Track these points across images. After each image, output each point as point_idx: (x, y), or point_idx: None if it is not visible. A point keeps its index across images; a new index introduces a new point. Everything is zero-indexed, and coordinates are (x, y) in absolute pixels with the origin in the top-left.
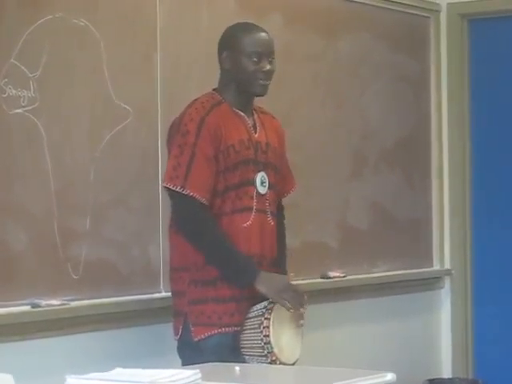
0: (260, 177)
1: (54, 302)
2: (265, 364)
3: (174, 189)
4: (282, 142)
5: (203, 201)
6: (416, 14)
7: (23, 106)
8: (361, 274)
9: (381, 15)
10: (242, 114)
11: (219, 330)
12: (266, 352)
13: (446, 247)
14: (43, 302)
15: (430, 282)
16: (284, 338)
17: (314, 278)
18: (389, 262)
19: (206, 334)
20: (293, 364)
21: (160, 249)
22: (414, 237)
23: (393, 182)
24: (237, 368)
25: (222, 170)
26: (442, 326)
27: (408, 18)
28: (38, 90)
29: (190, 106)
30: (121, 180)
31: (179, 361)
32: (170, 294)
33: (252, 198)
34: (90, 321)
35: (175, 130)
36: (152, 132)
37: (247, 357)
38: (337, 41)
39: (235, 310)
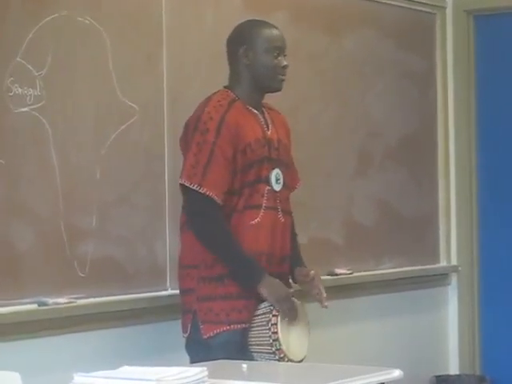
0: (275, 174)
1: (61, 300)
2: (272, 361)
3: (191, 186)
4: (289, 138)
5: (218, 200)
6: (421, 11)
7: (29, 105)
8: (367, 271)
9: (386, 12)
10: (255, 111)
11: (227, 328)
12: (274, 349)
13: (453, 244)
14: (50, 301)
15: (437, 279)
16: (292, 335)
17: (321, 275)
18: (395, 258)
19: (214, 332)
20: (300, 361)
21: (166, 246)
22: (420, 233)
23: (399, 179)
24: (244, 365)
25: (239, 169)
26: (448, 322)
27: (413, 15)
28: (44, 88)
29: (205, 104)
30: (127, 178)
31: (186, 358)
32: (176, 291)
33: (262, 195)
34: (96, 319)
35: (192, 128)
36: (158, 130)
37: (255, 354)
38: (342, 38)
39: (243, 307)
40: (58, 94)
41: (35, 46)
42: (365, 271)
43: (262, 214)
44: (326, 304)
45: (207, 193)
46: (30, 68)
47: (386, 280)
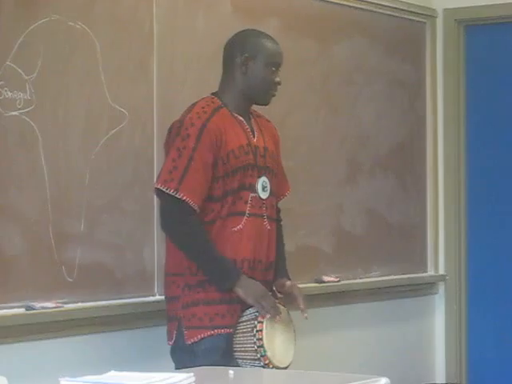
0: (261, 182)
1: (49, 304)
2: (258, 368)
3: (167, 191)
4: (278, 145)
5: (195, 206)
6: (412, 20)
7: (19, 109)
8: (355, 279)
9: (376, 20)
10: (241, 118)
11: (211, 332)
12: (258, 355)
13: (441, 253)
14: (38, 305)
15: (424, 288)
16: (277, 341)
17: (308, 283)
18: (383, 267)
19: (198, 337)
20: (286, 368)
21: (154, 252)
22: (408, 242)
23: (387, 187)
24: (230, 371)
25: (221, 176)
26: (435, 331)
27: (404, 24)
28: (34, 92)
29: (189, 110)
30: (116, 183)
31: (173, 364)
32: (164, 297)
33: (246, 202)
34: (84, 323)
35: (175, 133)
36: (147, 135)
37: (240, 360)
38: (332, 46)
39: (226, 312)
40: (48, 99)
41: (26, 50)
42: (353, 279)
43: (244, 220)
44: (305, 315)
45: (183, 198)
46: (20, 72)
47: (373, 288)
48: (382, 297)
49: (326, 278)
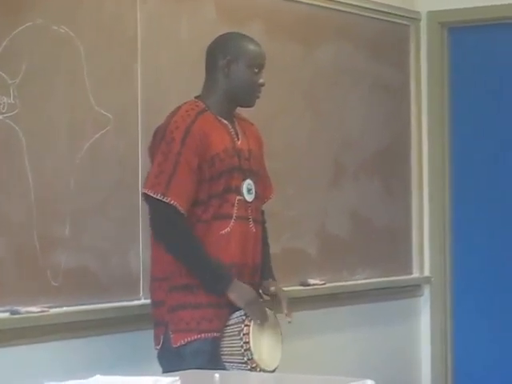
0: (246, 184)
1: (34, 309)
2: (244, 371)
3: (154, 196)
4: (261, 148)
5: (182, 210)
6: (396, 23)
7: (3, 113)
8: (340, 282)
9: (360, 24)
10: (226, 121)
11: (198, 336)
12: (245, 359)
13: (426, 255)
14: (22, 309)
15: (410, 290)
16: (264, 344)
17: (294, 286)
18: (368, 269)
19: (185, 340)
20: (273, 371)
21: (140, 256)
22: (393, 244)
23: (372, 190)
24: (216, 375)
25: (206, 179)
26: (421, 333)
27: (388, 27)
28: (18, 96)
29: (173, 114)
30: (101, 187)
31: (159, 368)
32: (149, 301)
33: (233, 205)
34: (69, 328)
35: (159, 138)
36: (132, 139)
37: (227, 364)
38: (317, 50)
39: (214, 316)
40: (32, 103)
41: (9, 54)
42: (338, 282)
43: (232, 223)
44: (289, 320)
45: (171, 202)
46: (4, 76)
47: (359, 291)
48: (368, 299)
49: (311, 281)
